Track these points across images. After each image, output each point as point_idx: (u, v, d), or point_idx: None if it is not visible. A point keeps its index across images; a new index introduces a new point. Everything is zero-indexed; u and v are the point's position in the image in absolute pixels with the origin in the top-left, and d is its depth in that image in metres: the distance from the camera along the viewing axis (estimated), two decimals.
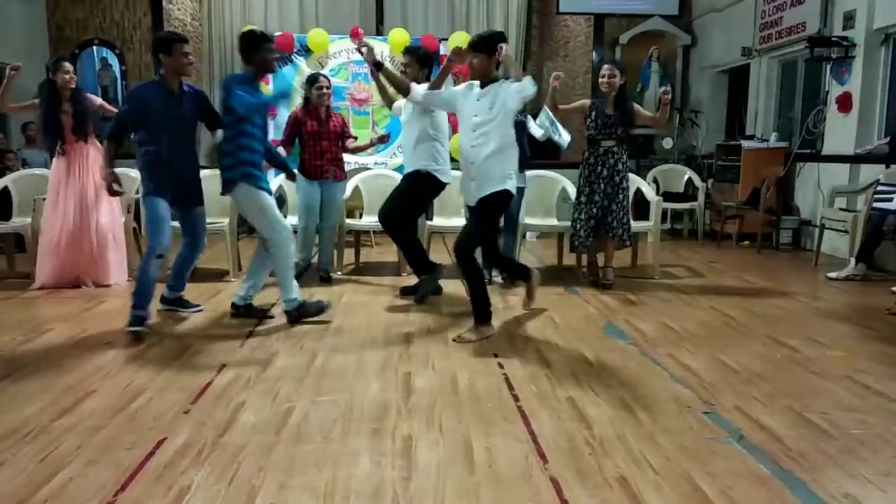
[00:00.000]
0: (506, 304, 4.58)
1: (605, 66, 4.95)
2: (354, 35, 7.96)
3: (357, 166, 7.34)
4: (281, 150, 4.93)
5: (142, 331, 3.69)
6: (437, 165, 4.55)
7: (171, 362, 3.32)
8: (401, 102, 4.69)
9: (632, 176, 5.35)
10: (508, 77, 3.74)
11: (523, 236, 5.69)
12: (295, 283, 4.06)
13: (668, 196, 7.52)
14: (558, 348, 3.59)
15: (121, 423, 2.58)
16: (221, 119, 3.91)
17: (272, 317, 4.14)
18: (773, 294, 4.93)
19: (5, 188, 5.58)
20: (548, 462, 2.28)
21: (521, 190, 5.16)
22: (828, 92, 6.68)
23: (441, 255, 5.92)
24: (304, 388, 2.96)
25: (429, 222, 5.48)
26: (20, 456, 2.31)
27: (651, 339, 3.75)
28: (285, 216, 5.88)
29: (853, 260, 5.42)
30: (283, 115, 6.01)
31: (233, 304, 4.16)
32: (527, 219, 5.59)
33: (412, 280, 4.92)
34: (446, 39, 7.74)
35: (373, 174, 6.22)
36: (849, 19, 6.35)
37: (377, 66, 4.29)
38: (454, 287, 4.87)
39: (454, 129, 4.47)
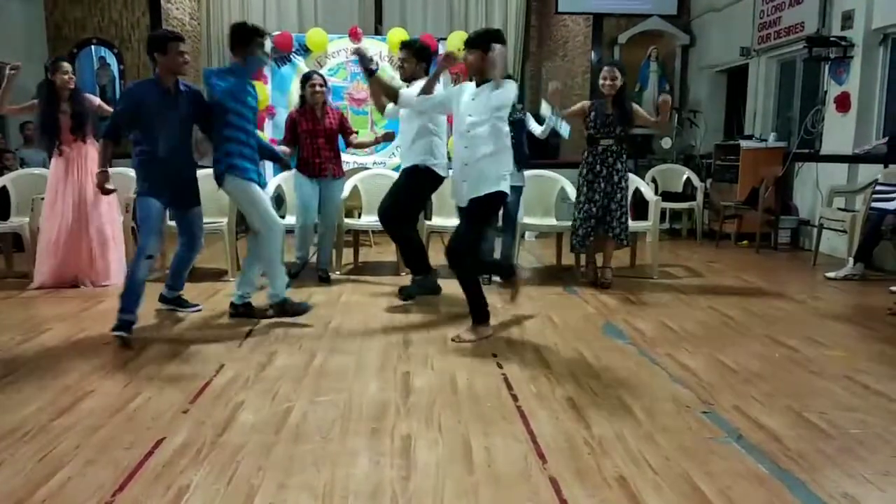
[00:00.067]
0: (505, 303, 4.57)
1: (606, 69, 4.94)
2: (354, 35, 8.02)
3: (356, 166, 7.34)
4: (284, 149, 4.93)
5: (128, 337, 3.56)
6: (435, 160, 4.52)
7: (170, 362, 3.32)
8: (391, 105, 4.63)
9: (630, 176, 5.35)
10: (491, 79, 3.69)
11: (522, 236, 5.68)
12: (284, 279, 4.06)
13: (667, 196, 7.52)
14: (557, 348, 3.59)
15: (119, 423, 2.58)
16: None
17: (271, 316, 4.14)
18: (771, 294, 4.93)
19: (3, 188, 5.57)
20: (547, 462, 2.28)
21: (519, 189, 5.16)
22: (826, 92, 6.69)
23: (440, 254, 5.91)
24: (302, 388, 2.96)
25: (427, 222, 5.48)
26: (19, 456, 2.30)
27: (650, 339, 3.75)
28: (284, 216, 5.92)
29: (852, 260, 5.42)
30: (283, 114, 6.01)
31: (231, 304, 4.16)
32: (526, 218, 5.59)
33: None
34: (445, 39, 7.74)
35: (371, 174, 6.22)
36: (847, 19, 6.36)
37: (369, 73, 4.29)
38: (452, 287, 4.85)
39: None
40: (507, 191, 3.78)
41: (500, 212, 5.10)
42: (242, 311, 4.13)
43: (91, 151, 4.92)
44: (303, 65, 7.77)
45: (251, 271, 4.13)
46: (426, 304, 4.54)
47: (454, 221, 5.49)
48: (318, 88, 5.07)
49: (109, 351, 3.48)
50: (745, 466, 2.26)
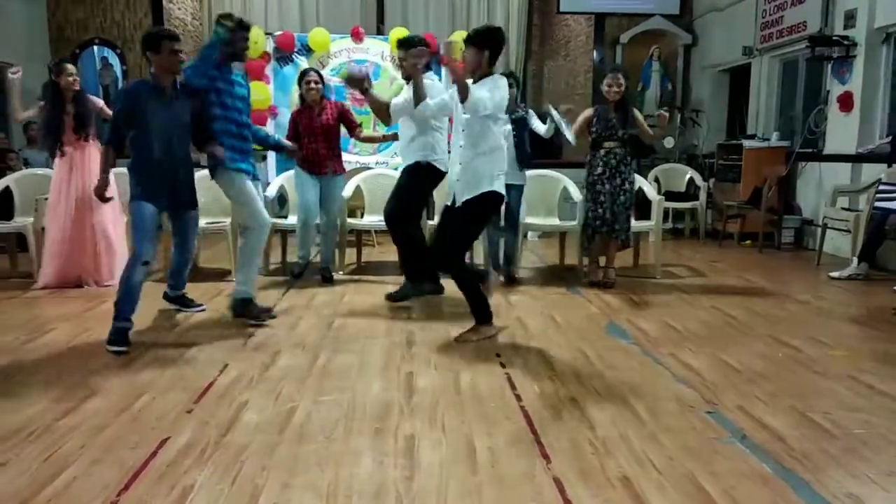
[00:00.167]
0: (508, 303, 4.58)
1: (611, 76, 4.92)
2: (356, 34, 8.02)
3: (358, 166, 7.35)
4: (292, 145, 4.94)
5: (123, 350, 3.44)
6: (436, 155, 4.47)
7: (174, 362, 3.32)
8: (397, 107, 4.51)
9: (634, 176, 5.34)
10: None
11: (525, 235, 5.68)
12: (254, 278, 4.05)
13: (670, 195, 7.52)
14: (560, 348, 3.59)
15: (124, 423, 2.58)
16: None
17: (275, 316, 4.14)
18: (775, 294, 4.92)
19: (7, 188, 5.58)
20: (550, 462, 2.28)
21: (520, 188, 5.16)
22: (829, 91, 6.68)
23: None
24: (306, 388, 2.96)
25: (430, 222, 5.48)
26: (24, 455, 2.31)
27: (653, 339, 3.75)
28: (286, 216, 5.93)
29: (855, 259, 5.42)
30: (286, 114, 6.01)
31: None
32: (528, 218, 5.59)
33: None
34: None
35: (374, 174, 6.22)
36: (850, 18, 6.35)
37: (364, 93, 4.30)
38: (455, 287, 4.85)
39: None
40: (502, 190, 3.71)
41: (503, 211, 5.12)
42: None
43: (94, 152, 4.93)
44: (305, 65, 7.78)
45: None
46: (429, 305, 4.54)
47: None
48: (312, 85, 5.05)
49: None
50: (749, 466, 2.26)
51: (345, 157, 5.54)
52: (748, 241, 7.14)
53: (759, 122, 7.93)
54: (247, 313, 3.99)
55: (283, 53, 7.94)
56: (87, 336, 3.74)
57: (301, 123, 5.10)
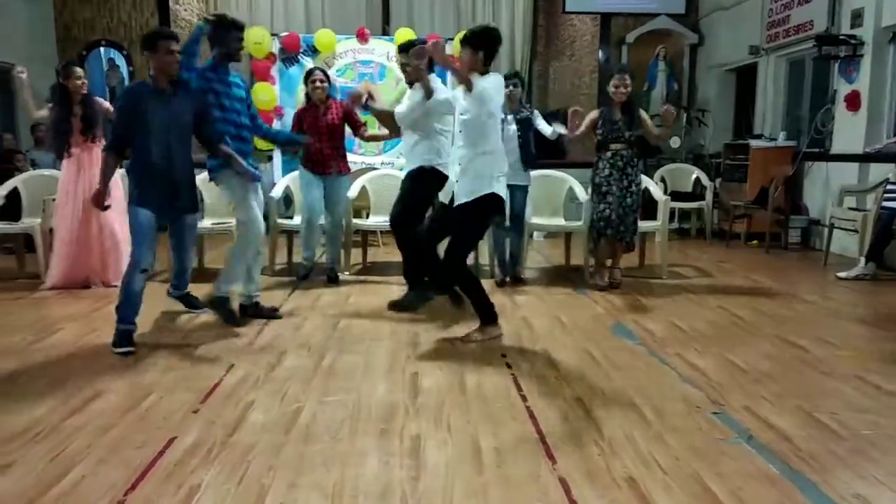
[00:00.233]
0: (513, 304, 4.57)
1: (618, 76, 4.87)
2: (361, 35, 8.03)
3: (364, 166, 7.35)
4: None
5: (129, 351, 3.44)
6: (441, 159, 4.41)
7: (180, 362, 3.33)
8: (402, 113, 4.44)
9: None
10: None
11: (530, 236, 5.68)
12: (236, 281, 4.03)
13: (676, 195, 7.50)
14: (566, 348, 3.58)
15: (131, 423, 2.59)
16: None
17: (280, 316, 4.15)
18: (781, 294, 4.91)
19: (15, 189, 5.61)
20: (556, 462, 2.28)
21: (525, 188, 5.15)
22: (836, 90, 6.65)
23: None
24: (312, 388, 2.97)
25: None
26: (31, 455, 2.32)
27: (659, 339, 3.74)
28: (292, 216, 5.93)
29: (863, 259, 5.39)
30: (291, 115, 6.01)
31: (240, 305, 4.17)
32: (534, 218, 5.58)
33: None
34: (452, 39, 7.73)
35: (379, 174, 6.23)
36: (857, 17, 6.32)
37: (365, 107, 4.28)
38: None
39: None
40: (503, 193, 3.65)
41: (508, 212, 5.11)
42: (251, 311, 4.14)
43: (101, 154, 4.93)
44: (311, 65, 7.79)
45: (253, 270, 4.13)
46: (434, 306, 4.53)
47: None
48: (318, 84, 5.04)
49: None
50: (756, 467, 2.25)
51: (350, 157, 5.53)
52: (755, 241, 7.11)
53: (765, 122, 7.90)
54: (220, 312, 3.98)
55: (289, 54, 7.96)
56: (95, 336, 3.76)
57: (306, 122, 5.08)
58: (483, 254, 5.73)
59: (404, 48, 4.43)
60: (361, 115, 5.17)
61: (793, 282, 5.37)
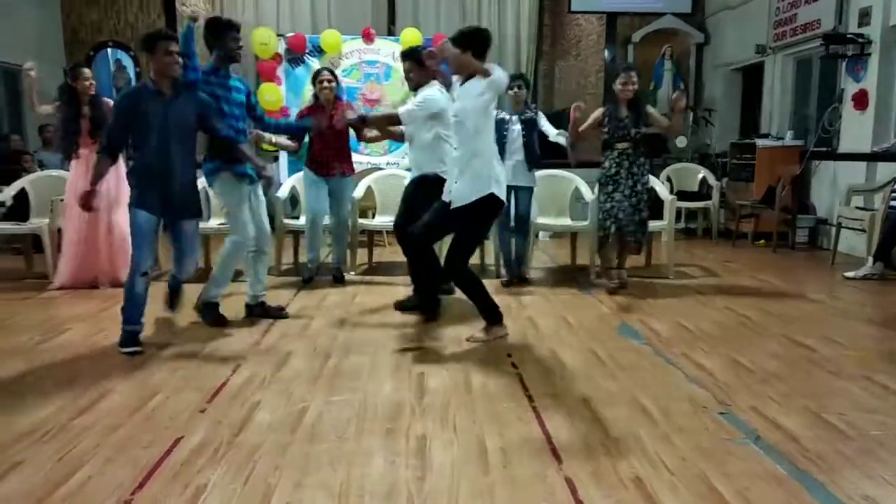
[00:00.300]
0: (519, 304, 4.57)
1: (624, 74, 4.83)
2: (367, 35, 8.04)
3: (369, 166, 7.36)
4: (290, 144, 4.92)
5: (136, 351, 3.46)
6: (445, 166, 4.43)
7: (187, 362, 3.35)
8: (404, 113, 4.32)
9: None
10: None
11: (536, 236, 5.67)
12: (224, 286, 4.03)
13: (682, 195, 7.48)
14: (572, 348, 3.58)
15: (138, 423, 2.60)
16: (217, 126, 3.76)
17: (286, 316, 4.16)
18: (789, 293, 4.89)
19: (23, 189, 5.64)
20: (562, 462, 2.27)
21: (530, 189, 5.14)
22: (843, 89, 6.62)
23: None
24: (318, 388, 2.97)
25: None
26: (39, 455, 2.33)
27: (665, 339, 3.73)
28: (298, 216, 5.94)
29: (870, 259, 5.36)
30: (295, 114, 6.01)
31: (246, 305, 4.18)
32: (540, 218, 5.57)
33: None
34: None
35: (385, 174, 6.23)
36: (864, 16, 6.29)
37: (363, 121, 4.26)
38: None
39: None
40: (499, 193, 3.58)
41: (512, 214, 5.10)
42: (257, 311, 4.15)
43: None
44: (317, 66, 7.80)
45: (256, 270, 4.14)
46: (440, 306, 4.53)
47: None
48: (326, 84, 5.02)
49: None
50: (763, 467, 2.24)
51: (355, 157, 5.54)
52: (762, 241, 7.09)
53: (772, 121, 7.87)
54: (208, 315, 3.99)
55: (295, 55, 7.98)
56: (102, 336, 3.77)
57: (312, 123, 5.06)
58: (489, 254, 5.73)
59: (406, 55, 4.42)
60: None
61: (800, 281, 5.35)
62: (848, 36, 6.33)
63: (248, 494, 2.07)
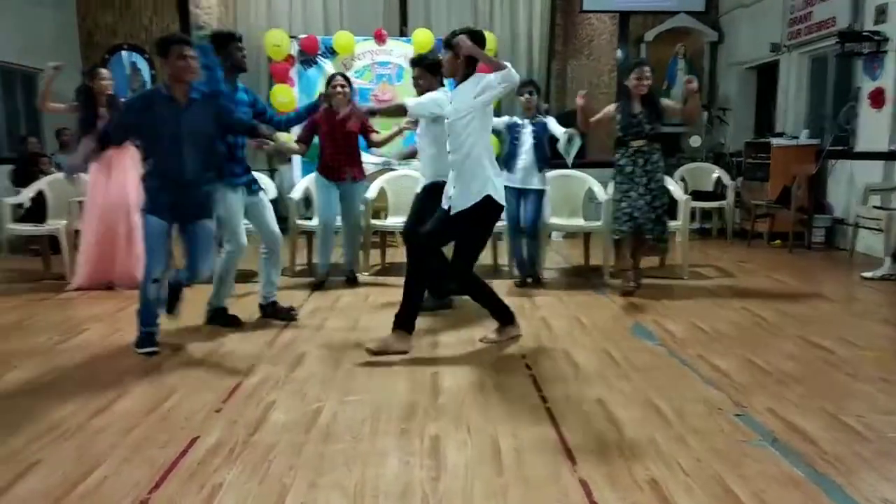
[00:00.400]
0: (532, 304, 4.56)
1: (638, 70, 4.76)
2: (379, 37, 8.06)
3: (384, 167, 7.36)
4: (295, 147, 4.92)
5: (153, 351, 3.48)
6: None
7: (202, 362, 3.37)
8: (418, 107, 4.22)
9: None
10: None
11: (549, 236, 5.65)
12: (227, 293, 4.06)
13: (697, 195, 7.42)
14: (586, 349, 3.56)
15: (154, 423, 2.62)
16: (238, 123, 3.78)
17: (296, 318, 4.15)
18: (805, 294, 4.84)
19: (40, 191, 5.70)
20: (576, 464, 2.27)
21: (541, 192, 5.12)
22: (860, 87, 6.55)
23: None
24: (332, 388, 2.99)
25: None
26: (57, 454, 2.36)
27: (680, 340, 3.71)
28: (311, 217, 5.96)
29: (888, 259, 5.30)
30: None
31: (259, 306, 4.20)
32: (553, 219, 5.56)
33: None
34: None
35: (397, 175, 6.24)
36: (881, 13, 6.22)
37: (371, 114, 4.28)
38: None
39: None
40: (496, 196, 3.51)
41: (522, 216, 5.08)
42: (269, 311, 4.17)
43: (128, 156, 4.97)
44: (329, 67, 7.84)
45: (268, 272, 4.16)
46: (452, 306, 4.53)
47: None
48: (339, 89, 5.02)
49: None
50: (780, 470, 2.22)
51: (369, 157, 5.53)
52: (778, 241, 7.03)
53: (787, 120, 7.80)
54: (216, 322, 4.03)
55: (308, 56, 8.02)
56: (119, 337, 3.81)
57: (322, 127, 5.06)
58: (502, 255, 5.72)
59: (416, 62, 4.43)
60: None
61: (817, 282, 5.30)
62: (864, 33, 6.27)
63: (263, 494, 2.08)
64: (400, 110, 3.98)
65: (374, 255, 6.00)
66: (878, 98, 6.27)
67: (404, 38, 8.30)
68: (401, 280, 5.34)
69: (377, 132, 5.32)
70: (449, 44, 3.55)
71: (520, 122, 5.13)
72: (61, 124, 7.38)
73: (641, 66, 4.84)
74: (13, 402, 2.89)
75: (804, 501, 2.03)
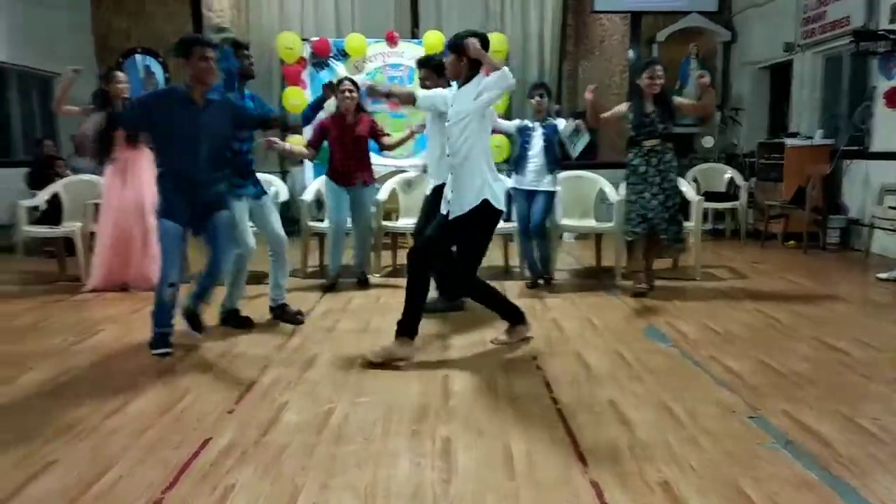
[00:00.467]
0: (543, 306, 4.56)
1: (651, 68, 4.72)
2: (390, 39, 8.08)
3: (394, 168, 7.38)
4: (304, 151, 4.94)
5: (167, 352, 3.49)
6: None
7: (215, 364, 3.39)
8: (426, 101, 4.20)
9: None
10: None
11: (560, 237, 5.63)
12: (239, 295, 4.10)
13: (710, 196, 7.37)
14: (597, 350, 3.55)
15: (167, 423, 2.64)
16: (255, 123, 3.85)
17: (302, 321, 4.14)
18: (820, 295, 4.80)
19: (56, 194, 5.77)
20: (588, 465, 2.26)
21: (551, 194, 5.10)
22: (875, 87, 6.49)
23: None
24: (344, 390, 2.99)
25: None
26: (72, 455, 2.38)
27: (693, 342, 3.69)
28: (323, 219, 5.98)
29: None
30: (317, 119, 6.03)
31: (270, 308, 4.22)
32: (564, 220, 5.55)
33: None
34: None
35: (409, 176, 6.24)
36: (895, 12, 6.17)
37: (387, 96, 4.28)
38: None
39: None
40: (494, 200, 3.48)
41: (529, 219, 5.06)
42: (277, 314, 4.18)
43: (144, 158, 5.00)
44: (341, 69, 7.86)
45: (275, 275, 4.18)
46: (463, 307, 4.53)
47: None
48: (347, 94, 5.02)
49: None
50: (794, 472, 2.20)
51: (381, 160, 5.53)
52: (792, 242, 6.97)
53: (801, 120, 7.74)
54: (229, 323, 4.06)
55: (320, 59, 8.05)
56: (133, 338, 3.84)
57: (332, 132, 5.06)
58: (513, 256, 5.71)
59: (423, 63, 4.45)
60: (393, 119, 5.16)
61: (831, 283, 5.26)
62: (879, 32, 6.21)
63: (275, 495, 2.09)
64: (410, 98, 3.99)
65: (386, 257, 6.01)
66: (893, 97, 6.21)
67: (416, 41, 8.31)
68: None
69: (388, 135, 5.33)
70: (452, 46, 3.54)
71: (530, 124, 5.14)
72: (77, 129, 7.45)
73: (654, 64, 4.80)
74: (29, 403, 2.92)
75: None
